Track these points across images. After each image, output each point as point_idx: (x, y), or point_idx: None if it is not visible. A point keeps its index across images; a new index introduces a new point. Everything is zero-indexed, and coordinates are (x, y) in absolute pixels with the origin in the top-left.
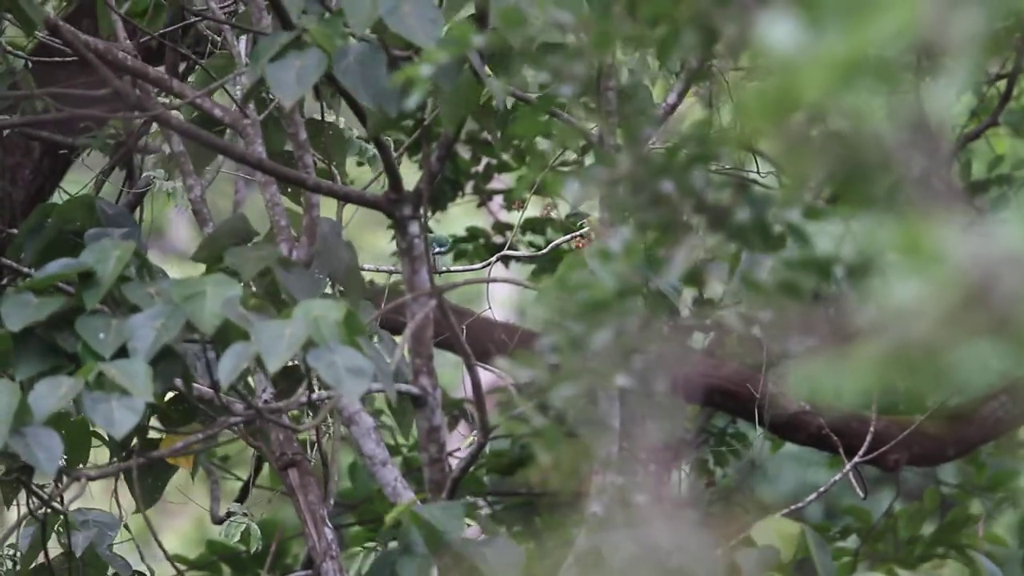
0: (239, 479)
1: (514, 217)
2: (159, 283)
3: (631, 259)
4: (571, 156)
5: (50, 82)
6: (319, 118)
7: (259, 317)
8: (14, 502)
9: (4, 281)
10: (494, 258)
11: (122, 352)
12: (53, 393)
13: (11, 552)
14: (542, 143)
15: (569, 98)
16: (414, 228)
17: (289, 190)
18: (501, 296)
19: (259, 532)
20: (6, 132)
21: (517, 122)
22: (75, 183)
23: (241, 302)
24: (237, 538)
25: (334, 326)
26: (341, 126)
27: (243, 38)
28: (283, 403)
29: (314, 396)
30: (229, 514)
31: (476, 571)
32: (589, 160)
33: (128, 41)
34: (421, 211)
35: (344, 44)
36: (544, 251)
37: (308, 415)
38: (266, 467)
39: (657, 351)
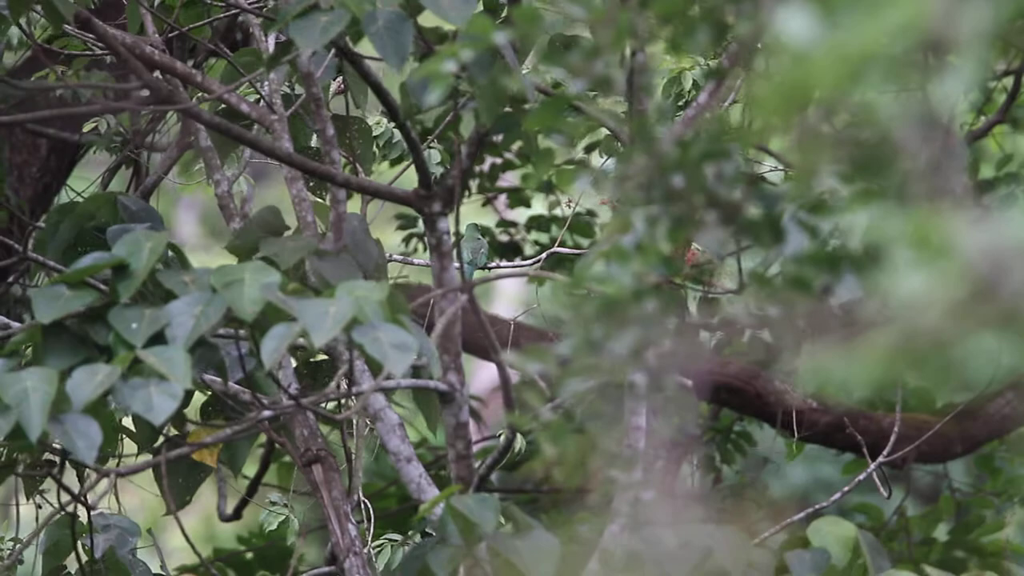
0: (245, 477)
1: (519, 215)
2: (194, 271)
3: (648, 259)
4: (578, 155)
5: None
6: (342, 114)
7: (299, 300)
8: (30, 500)
9: (11, 279)
10: (545, 253)
11: (154, 341)
12: (91, 380)
13: (11, 546)
14: (548, 141)
15: (581, 94)
16: (443, 224)
17: (312, 183)
18: (510, 293)
19: (296, 524)
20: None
21: (534, 116)
22: (82, 180)
23: (280, 288)
24: (274, 527)
25: (377, 305)
26: (366, 121)
27: (271, 35)
28: (319, 395)
29: (343, 389)
30: (237, 512)
31: (511, 565)
32: (596, 158)
33: (157, 36)
34: (452, 207)
35: (372, 9)
36: (588, 247)
37: (340, 410)
38: (273, 465)
39: (670, 348)
